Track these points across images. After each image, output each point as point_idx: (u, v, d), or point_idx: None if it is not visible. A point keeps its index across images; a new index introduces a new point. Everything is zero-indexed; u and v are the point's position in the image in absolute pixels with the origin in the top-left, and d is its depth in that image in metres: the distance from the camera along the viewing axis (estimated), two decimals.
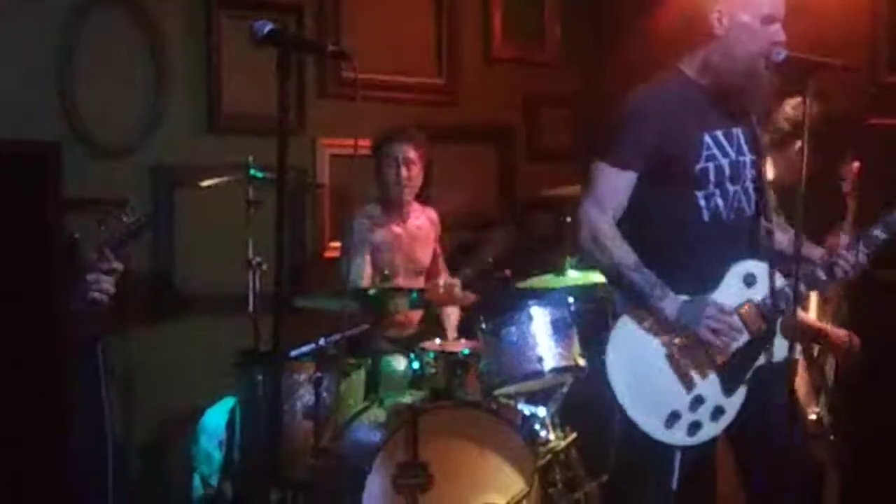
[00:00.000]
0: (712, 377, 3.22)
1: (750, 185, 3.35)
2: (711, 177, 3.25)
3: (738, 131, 3.32)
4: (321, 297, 4.56)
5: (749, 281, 3.25)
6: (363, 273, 4.76)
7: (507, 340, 4.34)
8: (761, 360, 3.26)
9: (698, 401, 3.20)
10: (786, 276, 3.25)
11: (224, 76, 5.18)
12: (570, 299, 4.49)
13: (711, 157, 3.26)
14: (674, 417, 3.18)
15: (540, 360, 4.30)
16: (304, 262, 5.38)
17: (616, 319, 3.29)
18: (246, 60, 4.95)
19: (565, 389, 4.62)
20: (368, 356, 4.52)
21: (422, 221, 5.07)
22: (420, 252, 5.04)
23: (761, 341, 3.25)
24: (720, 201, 3.28)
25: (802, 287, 3.27)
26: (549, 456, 4.51)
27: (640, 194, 3.25)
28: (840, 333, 4.14)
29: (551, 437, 4.58)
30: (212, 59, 5.15)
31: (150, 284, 5.03)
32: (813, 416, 4.15)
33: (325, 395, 4.23)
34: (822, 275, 3.31)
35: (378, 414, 4.26)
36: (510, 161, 6.24)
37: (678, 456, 3.22)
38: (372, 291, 4.42)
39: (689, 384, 3.20)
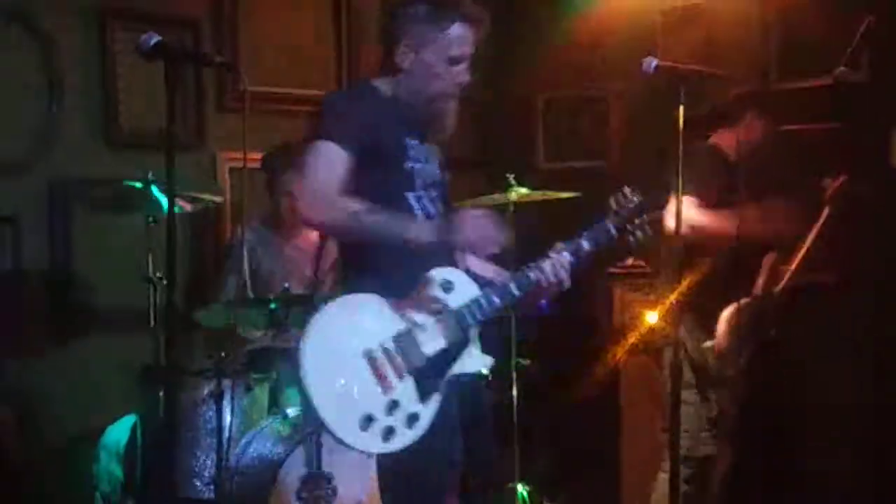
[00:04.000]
0: (408, 382, 3.07)
1: (440, 198, 3.36)
2: (417, 178, 3.27)
3: (428, 146, 3.35)
4: (220, 310, 4.52)
5: (446, 287, 3.15)
6: (232, 292, 4.70)
7: None
8: (455, 369, 3.16)
9: (394, 405, 3.04)
10: (481, 287, 3.19)
11: (121, 90, 5.12)
12: None
13: (416, 160, 3.28)
14: (369, 421, 3.01)
15: None
16: (206, 278, 5.31)
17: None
18: (144, 74, 4.89)
19: None
20: (272, 370, 4.48)
21: (310, 234, 5.00)
22: (308, 267, 4.98)
23: (455, 349, 3.15)
24: (428, 204, 3.29)
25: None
26: None
27: (360, 195, 3.13)
28: None
29: None
30: (107, 73, 5.10)
31: (48, 302, 4.95)
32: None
33: (227, 410, 4.21)
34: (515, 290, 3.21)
35: (282, 428, 4.23)
36: None
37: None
38: (273, 304, 4.39)
39: (386, 387, 3.04)
